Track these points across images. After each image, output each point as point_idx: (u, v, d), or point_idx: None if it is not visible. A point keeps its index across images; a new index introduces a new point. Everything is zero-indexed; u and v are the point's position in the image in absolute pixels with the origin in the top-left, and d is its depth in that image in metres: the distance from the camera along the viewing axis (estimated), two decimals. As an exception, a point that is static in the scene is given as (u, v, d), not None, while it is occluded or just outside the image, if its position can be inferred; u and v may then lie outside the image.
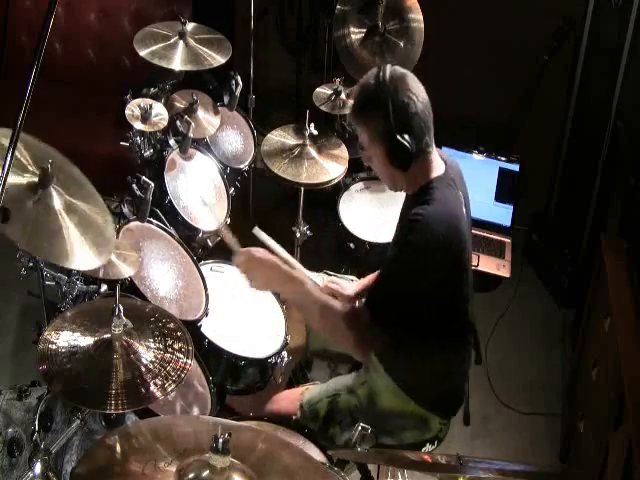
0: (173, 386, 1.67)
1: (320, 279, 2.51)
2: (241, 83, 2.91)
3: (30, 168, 1.80)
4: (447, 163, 2.09)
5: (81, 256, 1.77)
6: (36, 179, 1.79)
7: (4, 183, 1.46)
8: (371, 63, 3.05)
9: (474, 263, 3.21)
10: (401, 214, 2.17)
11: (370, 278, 2.46)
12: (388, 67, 1.98)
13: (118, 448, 1.42)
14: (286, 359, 2.42)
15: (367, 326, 1.97)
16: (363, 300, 2.23)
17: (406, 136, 1.94)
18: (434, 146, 2.04)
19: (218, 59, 2.74)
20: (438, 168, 2.04)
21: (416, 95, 1.95)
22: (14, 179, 1.74)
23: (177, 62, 2.66)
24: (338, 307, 2.05)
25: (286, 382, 2.65)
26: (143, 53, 2.65)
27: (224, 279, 2.56)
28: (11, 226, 1.67)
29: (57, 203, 1.80)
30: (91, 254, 1.80)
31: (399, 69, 1.99)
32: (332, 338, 2.17)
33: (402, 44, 3.01)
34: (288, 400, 2.32)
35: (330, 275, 2.57)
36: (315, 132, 2.80)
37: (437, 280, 1.99)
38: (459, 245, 2.01)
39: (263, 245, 2.28)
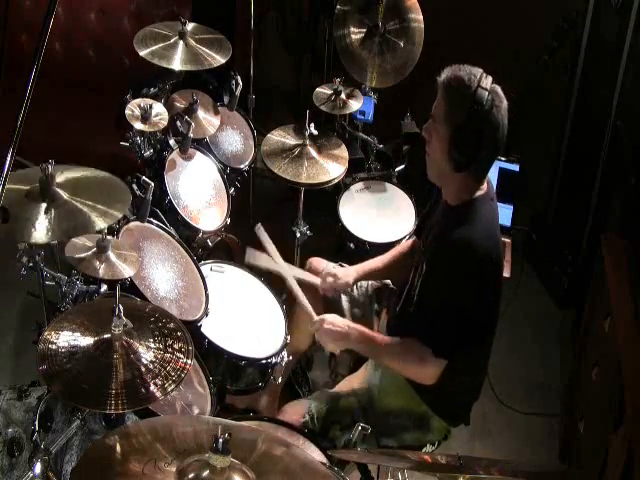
0: (173, 386, 1.66)
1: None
2: (241, 83, 2.91)
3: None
4: (488, 182, 2.12)
5: (106, 215, 1.91)
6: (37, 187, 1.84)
7: (4, 183, 1.46)
8: (371, 63, 3.06)
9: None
10: (437, 224, 2.16)
11: (368, 265, 2.48)
12: (491, 79, 2.01)
13: (118, 448, 1.42)
14: (286, 359, 2.42)
15: (431, 358, 2.00)
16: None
17: (474, 141, 1.96)
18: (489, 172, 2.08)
19: (218, 59, 2.74)
20: (482, 187, 2.08)
21: (503, 125, 2.00)
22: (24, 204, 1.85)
23: (177, 62, 2.66)
24: (408, 346, 2.06)
25: (286, 382, 2.66)
26: (143, 53, 2.65)
27: (224, 279, 2.56)
28: (41, 235, 1.80)
29: (65, 195, 1.89)
30: (113, 210, 1.92)
31: (501, 91, 2.02)
32: (405, 374, 2.17)
33: (402, 44, 3.01)
34: (295, 412, 2.28)
35: (343, 267, 2.57)
36: (315, 132, 2.80)
37: (488, 297, 2.02)
38: (502, 263, 2.06)
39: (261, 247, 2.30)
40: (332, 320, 2.19)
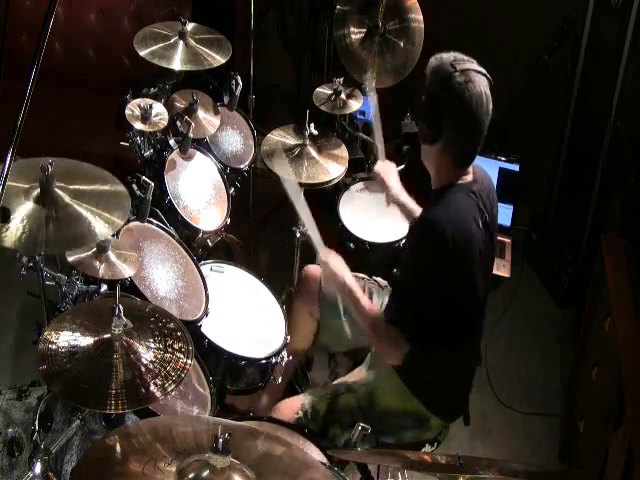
0: (173, 386, 1.66)
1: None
2: (241, 83, 2.91)
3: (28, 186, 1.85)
4: (476, 176, 2.14)
5: (105, 223, 1.87)
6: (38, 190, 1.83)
7: (4, 183, 1.46)
8: (371, 63, 3.05)
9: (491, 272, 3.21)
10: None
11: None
12: (475, 67, 2.05)
13: (118, 448, 1.42)
14: (286, 359, 2.42)
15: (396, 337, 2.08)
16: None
17: (436, 111, 2.02)
18: (471, 162, 2.12)
19: (218, 59, 2.74)
20: (465, 177, 2.11)
21: (467, 105, 2.00)
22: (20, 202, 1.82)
23: (177, 62, 2.66)
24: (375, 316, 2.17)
25: (286, 382, 2.65)
26: (143, 53, 2.64)
27: (224, 279, 2.56)
28: (35, 245, 1.77)
29: (66, 197, 1.87)
30: (113, 217, 1.89)
31: (481, 79, 2.04)
32: (376, 347, 2.25)
33: (402, 44, 3.01)
34: (289, 408, 2.31)
35: (364, 279, 2.61)
36: (315, 132, 2.79)
37: (447, 282, 2.02)
38: (469, 252, 2.03)
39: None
40: (334, 265, 2.25)
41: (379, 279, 2.62)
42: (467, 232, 2.03)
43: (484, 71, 2.05)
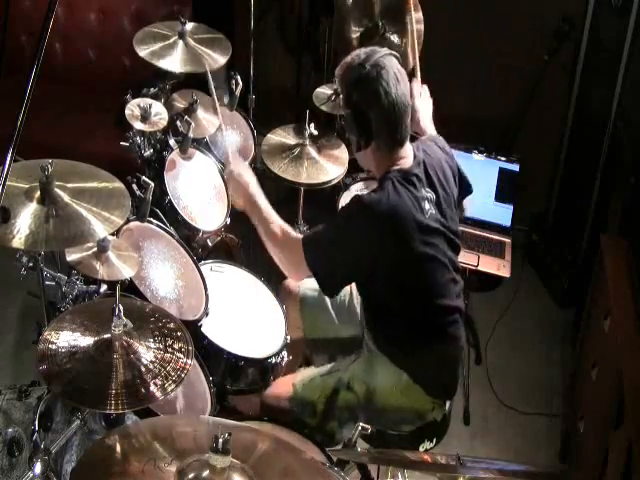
0: (173, 386, 1.66)
1: None
2: (241, 83, 2.91)
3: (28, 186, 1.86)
4: (418, 158, 2.16)
5: (104, 222, 1.86)
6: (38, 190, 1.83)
7: (4, 183, 1.46)
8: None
9: (474, 263, 3.21)
10: None
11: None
12: (384, 51, 2.06)
13: (118, 448, 1.42)
14: (286, 359, 2.42)
15: (299, 258, 2.12)
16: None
17: (359, 118, 2.06)
18: (404, 142, 2.13)
19: (218, 59, 2.73)
20: (403, 162, 2.13)
21: (386, 94, 2.03)
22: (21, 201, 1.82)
23: (177, 63, 2.65)
24: (278, 231, 2.21)
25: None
26: (143, 53, 2.64)
27: (224, 279, 2.56)
28: (35, 244, 1.76)
29: (65, 197, 1.86)
30: (114, 217, 1.89)
31: (391, 60, 2.05)
32: (271, 252, 2.27)
33: (402, 44, 3.01)
34: (279, 388, 2.36)
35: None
36: (315, 132, 2.79)
37: (376, 256, 2.06)
38: (401, 230, 2.06)
39: None
40: (241, 171, 2.34)
41: None
42: (399, 217, 2.05)
43: (387, 50, 2.07)
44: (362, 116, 2.06)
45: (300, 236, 2.18)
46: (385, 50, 2.08)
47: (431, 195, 2.14)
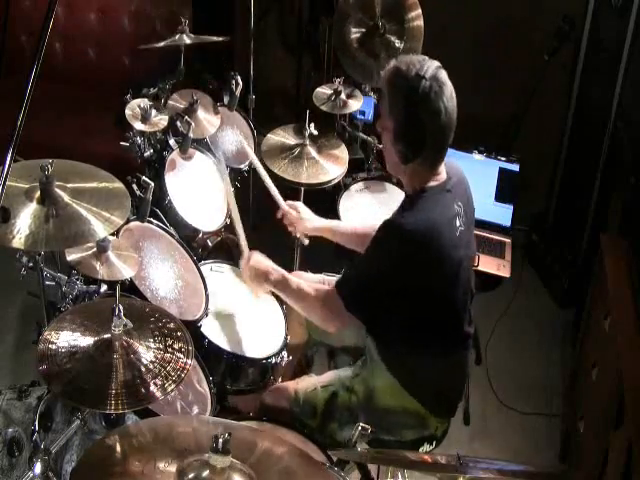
0: (173, 386, 1.66)
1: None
2: (241, 83, 2.91)
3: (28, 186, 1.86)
4: (449, 173, 2.10)
5: (104, 222, 1.87)
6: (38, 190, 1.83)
7: (4, 183, 1.46)
8: (371, 63, 3.05)
9: (474, 263, 3.21)
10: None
11: (332, 223, 2.55)
12: (435, 63, 1.99)
13: (118, 448, 1.42)
14: (286, 359, 2.42)
15: (340, 308, 2.06)
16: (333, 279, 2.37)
17: (417, 133, 1.96)
18: (443, 159, 2.06)
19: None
20: (439, 177, 2.06)
21: (446, 111, 1.95)
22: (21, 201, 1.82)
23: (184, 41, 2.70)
24: (312, 291, 2.16)
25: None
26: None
27: (224, 279, 2.56)
28: (35, 243, 1.76)
29: (65, 197, 1.87)
30: (114, 217, 1.89)
31: (445, 75, 1.98)
32: (313, 319, 2.23)
33: (402, 44, 3.01)
34: (280, 392, 2.33)
35: (329, 276, 2.58)
36: (315, 132, 2.79)
37: (412, 282, 2.00)
38: (438, 253, 2.00)
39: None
40: (258, 259, 2.32)
41: None
42: (440, 235, 1.99)
43: (436, 62, 2.00)
44: (418, 130, 1.96)
45: (332, 287, 2.11)
46: (435, 62, 2.00)
47: (460, 210, 2.09)
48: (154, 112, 2.50)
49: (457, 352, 2.23)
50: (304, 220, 2.53)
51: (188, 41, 2.75)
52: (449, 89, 1.97)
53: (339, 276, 2.25)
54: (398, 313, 2.09)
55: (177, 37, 2.75)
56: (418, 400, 2.18)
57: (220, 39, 2.84)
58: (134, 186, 2.35)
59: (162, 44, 2.73)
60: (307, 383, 2.33)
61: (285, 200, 2.60)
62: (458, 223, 2.07)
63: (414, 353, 2.14)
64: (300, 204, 2.58)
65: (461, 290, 2.13)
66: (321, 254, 2.71)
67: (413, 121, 1.96)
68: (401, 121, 1.97)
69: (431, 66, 1.97)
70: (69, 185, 1.90)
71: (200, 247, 2.64)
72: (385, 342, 2.22)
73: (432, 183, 2.05)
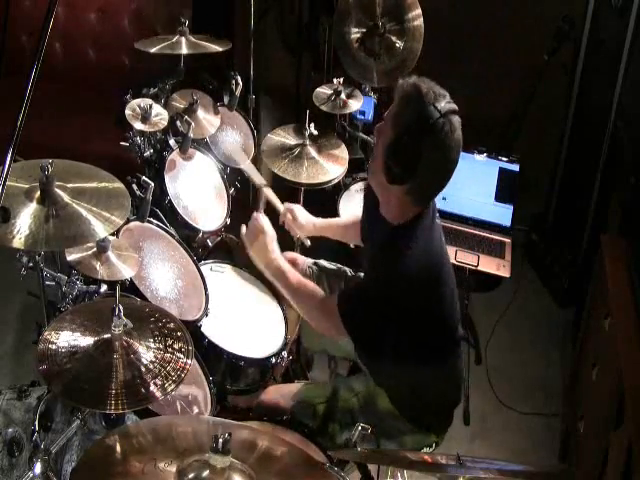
0: (173, 386, 1.66)
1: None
2: (241, 83, 2.91)
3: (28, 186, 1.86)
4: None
5: (104, 222, 1.86)
6: (38, 190, 1.83)
7: (4, 183, 1.46)
8: (371, 63, 3.05)
9: (474, 263, 3.22)
10: (377, 242, 2.12)
11: (327, 221, 2.55)
12: (453, 106, 1.90)
13: (118, 448, 1.42)
14: (286, 359, 2.42)
15: (337, 319, 2.03)
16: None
17: (411, 155, 1.88)
18: (426, 206, 2.03)
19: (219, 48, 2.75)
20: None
21: (446, 155, 1.90)
22: (21, 201, 1.82)
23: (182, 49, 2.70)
24: (315, 293, 2.14)
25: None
26: (151, 50, 2.66)
27: (224, 279, 2.56)
28: (35, 243, 1.76)
29: (65, 197, 1.86)
30: (114, 217, 1.89)
31: (458, 121, 1.90)
32: (305, 317, 2.22)
33: (402, 44, 3.01)
34: (279, 393, 2.33)
35: (320, 266, 2.60)
36: (315, 132, 2.80)
37: (412, 309, 1.99)
38: (438, 281, 2.02)
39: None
40: (268, 240, 2.25)
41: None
42: (437, 264, 2.00)
43: (455, 106, 1.91)
44: (413, 154, 1.87)
45: (334, 299, 2.07)
46: (454, 105, 1.90)
47: (439, 221, 2.08)
48: (155, 106, 2.50)
49: (452, 360, 2.23)
50: (300, 226, 2.52)
51: (185, 51, 2.71)
52: (457, 137, 1.89)
53: (341, 291, 2.26)
54: (394, 337, 2.05)
55: (175, 40, 2.75)
56: (415, 425, 2.19)
57: (220, 49, 2.80)
58: (134, 186, 2.35)
59: (157, 49, 2.69)
60: (312, 392, 2.32)
61: (283, 202, 2.60)
62: (443, 237, 2.09)
63: (408, 376, 2.12)
64: (296, 207, 2.56)
65: (449, 310, 2.13)
66: (321, 253, 2.72)
67: (412, 143, 1.87)
68: (402, 136, 1.88)
69: (450, 107, 1.89)
70: (69, 185, 1.90)
71: (200, 247, 2.65)
72: (377, 370, 2.23)
73: (419, 218, 2.00)
